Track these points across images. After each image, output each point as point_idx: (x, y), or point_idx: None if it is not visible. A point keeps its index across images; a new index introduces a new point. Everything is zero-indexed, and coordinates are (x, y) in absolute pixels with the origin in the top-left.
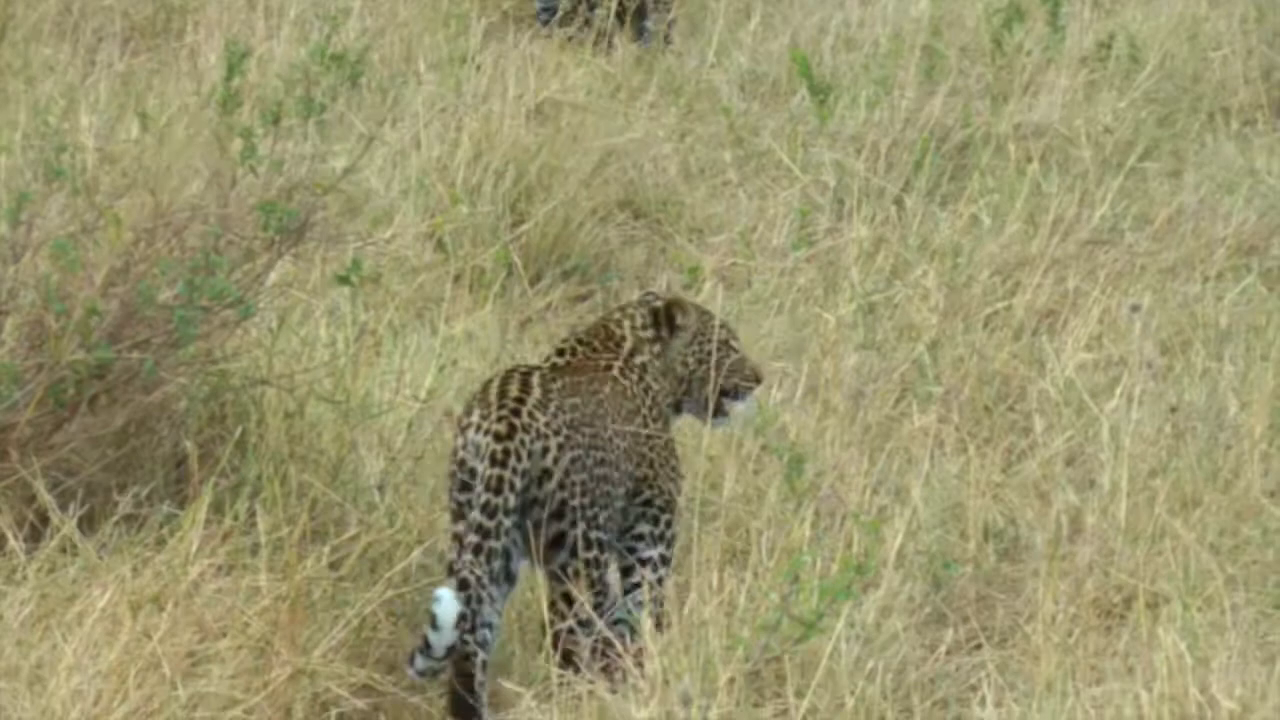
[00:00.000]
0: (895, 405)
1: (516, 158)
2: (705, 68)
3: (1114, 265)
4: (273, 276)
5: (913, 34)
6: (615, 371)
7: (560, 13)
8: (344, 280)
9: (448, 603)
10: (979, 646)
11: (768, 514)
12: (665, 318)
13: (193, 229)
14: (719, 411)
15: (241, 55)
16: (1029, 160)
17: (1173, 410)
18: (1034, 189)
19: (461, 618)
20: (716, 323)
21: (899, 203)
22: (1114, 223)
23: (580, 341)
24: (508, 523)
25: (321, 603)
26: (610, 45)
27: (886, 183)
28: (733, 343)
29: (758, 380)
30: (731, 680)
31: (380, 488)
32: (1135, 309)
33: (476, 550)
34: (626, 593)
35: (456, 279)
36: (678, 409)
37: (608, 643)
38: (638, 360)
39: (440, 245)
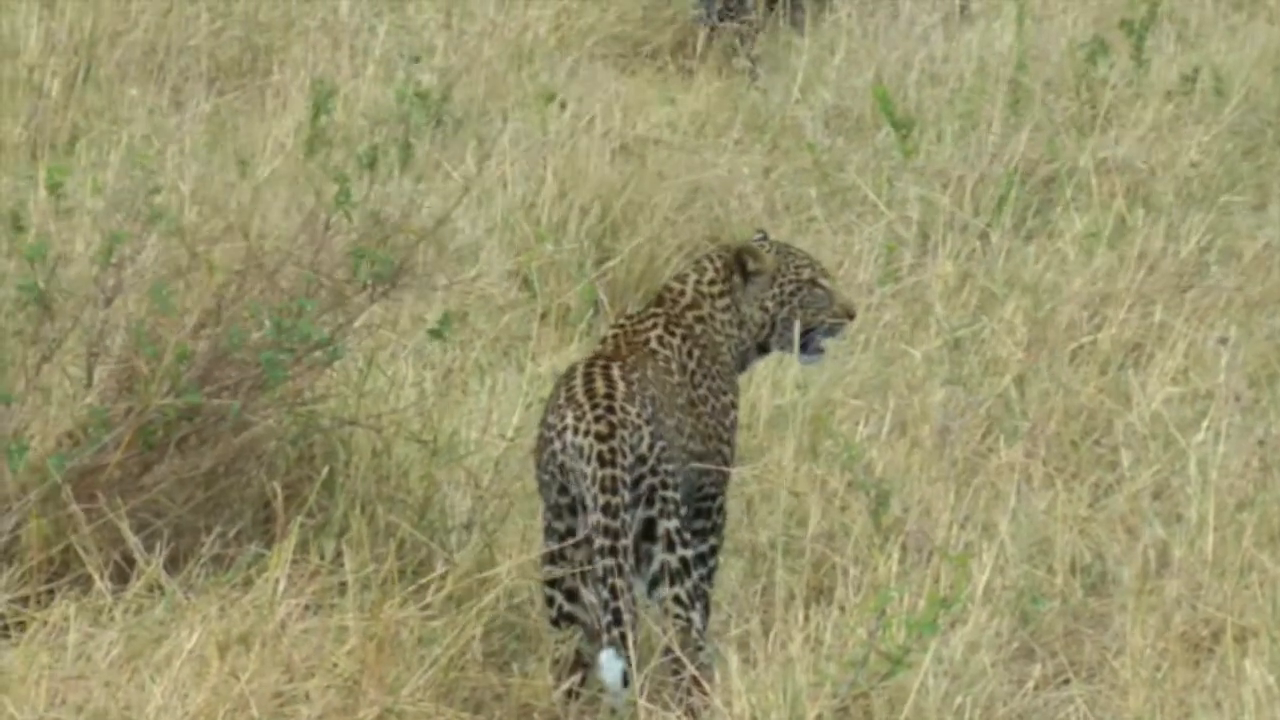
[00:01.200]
0: (982, 440)
1: (602, 195)
2: (790, 104)
3: (1200, 299)
4: (360, 317)
5: (997, 68)
6: (654, 341)
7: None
8: (436, 335)
9: (610, 669)
10: (1067, 681)
11: (853, 551)
12: (737, 265)
13: (285, 272)
14: (810, 348)
15: (327, 94)
16: (1114, 195)
17: (1260, 443)
18: (1119, 223)
19: (625, 675)
20: (799, 260)
21: (984, 238)
22: (1200, 257)
23: (636, 314)
24: (629, 518)
25: (409, 642)
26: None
27: (971, 218)
28: (820, 280)
29: (849, 315)
30: (819, 717)
31: (468, 527)
32: (1223, 341)
33: (612, 552)
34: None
35: (543, 317)
36: (764, 349)
37: (694, 679)
38: (691, 316)
39: (526, 283)
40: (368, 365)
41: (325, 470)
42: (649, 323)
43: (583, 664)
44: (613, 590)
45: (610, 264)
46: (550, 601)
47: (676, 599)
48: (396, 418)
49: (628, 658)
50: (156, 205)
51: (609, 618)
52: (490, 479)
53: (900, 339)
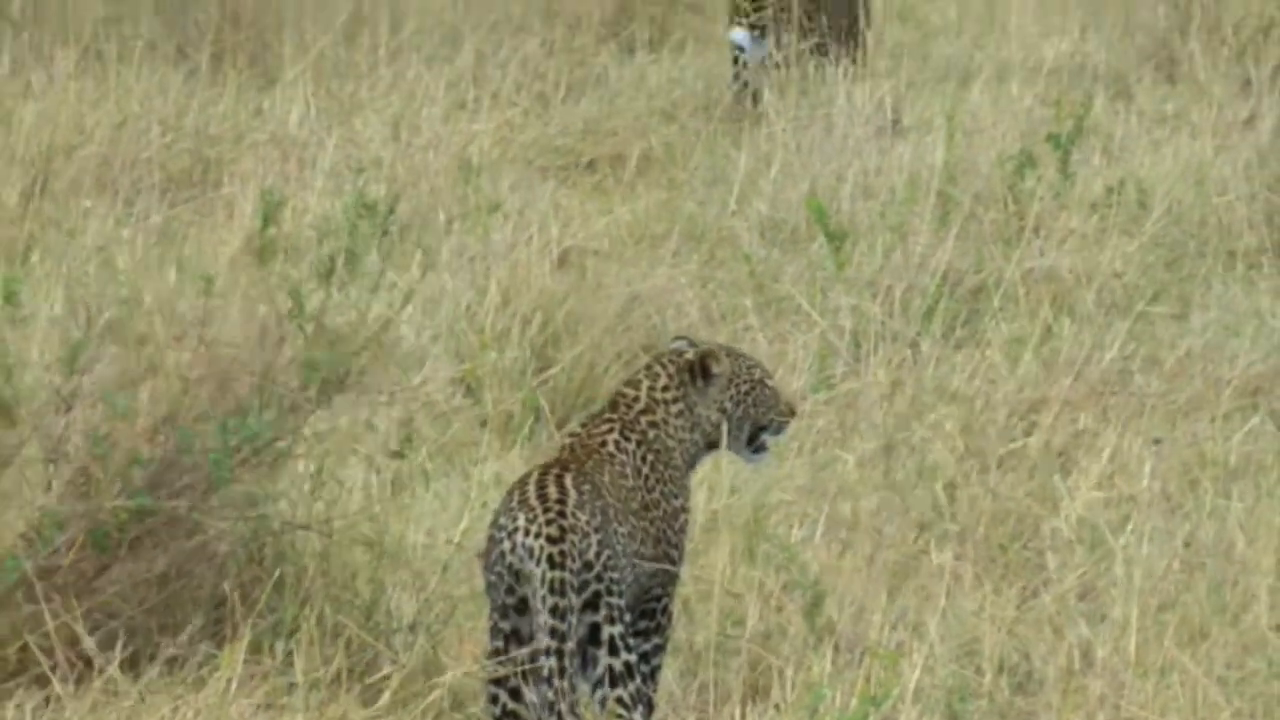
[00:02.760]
0: (915, 542)
1: (543, 304)
2: (726, 215)
3: (1125, 406)
4: (309, 422)
5: (928, 180)
6: (610, 445)
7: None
8: (398, 455)
9: None
10: None
11: (788, 650)
12: (700, 369)
13: (238, 379)
14: (759, 447)
15: (276, 205)
16: (1040, 304)
17: (1185, 545)
18: (1045, 332)
19: None
20: (749, 362)
21: (915, 346)
22: (1124, 365)
23: (594, 415)
24: (574, 620)
25: None
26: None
27: (902, 327)
28: (767, 381)
29: (792, 413)
30: None
31: (413, 628)
32: (1157, 442)
33: (558, 654)
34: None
35: (486, 423)
36: (713, 447)
37: None
38: (645, 421)
39: (470, 390)
40: (318, 470)
41: (276, 572)
42: (604, 428)
43: None
44: (557, 692)
45: (551, 372)
46: (494, 699)
47: (619, 700)
48: (345, 522)
49: None
50: (113, 314)
51: (552, 718)
52: (436, 582)
53: (834, 444)
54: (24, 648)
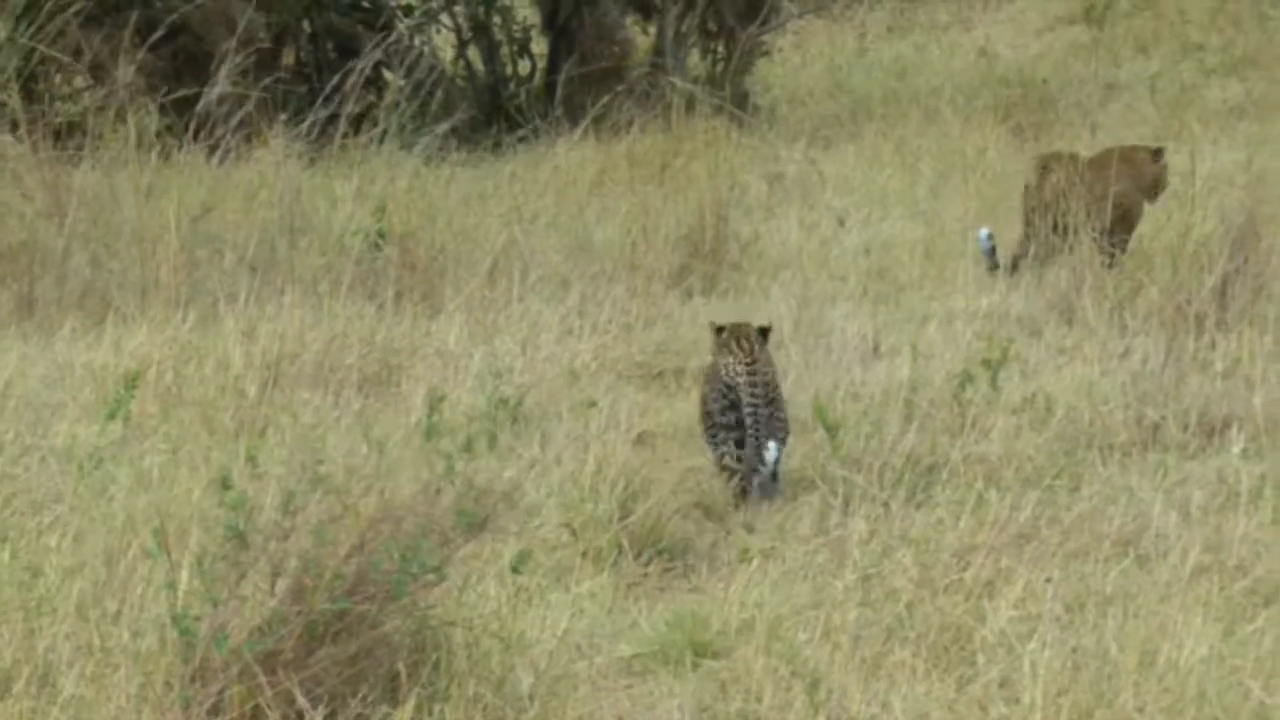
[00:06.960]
0: (884, 644)
1: (625, 472)
2: None
3: (1034, 551)
4: (459, 552)
5: (897, 390)
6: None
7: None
8: (515, 570)
9: (771, 450)
10: None
11: (794, 717)
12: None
13: (408, 520)
14: None
15: (439, 399)
16: (976, 478)
17: (1073, 650)
18: (979, 498)
19: (776, 461)
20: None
21: (886, 506)
22: (1034, 522)
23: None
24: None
25: None
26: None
27: (878, 492)
28: None
29: None
30: None
31: (531, 697)
32: (1048, 580)
33: (756, 421)
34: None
35: (584, 555)
36: None
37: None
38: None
39: (573, 532)
40: (464, 584)
41: (434, 656)
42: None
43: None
44: (757, 437)
45: (630, 519)
46: (724, 466)
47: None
48: (483, 621)
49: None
50: (321, 472)
51: (760, 442)
52: (546, 664)
53: (829, 574)
54: (257, 705)
